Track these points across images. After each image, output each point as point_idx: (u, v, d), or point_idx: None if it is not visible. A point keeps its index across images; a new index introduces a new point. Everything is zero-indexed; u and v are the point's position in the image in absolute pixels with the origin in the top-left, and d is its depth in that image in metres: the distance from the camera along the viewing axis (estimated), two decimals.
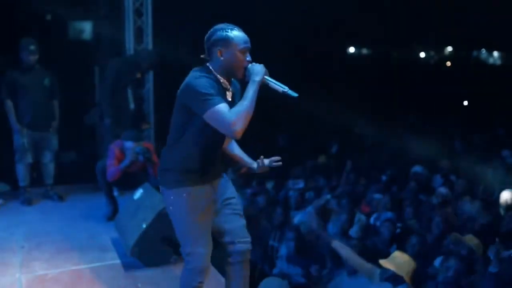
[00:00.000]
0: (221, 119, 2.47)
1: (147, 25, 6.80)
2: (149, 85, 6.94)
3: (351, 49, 25.73)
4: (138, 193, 4.54)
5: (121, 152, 5.09)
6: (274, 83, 2.64)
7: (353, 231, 5.27)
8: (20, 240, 4.69)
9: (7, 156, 5.86)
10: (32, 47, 5.48)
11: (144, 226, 4.07)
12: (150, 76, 6.88)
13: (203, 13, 8.61)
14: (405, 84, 16.86)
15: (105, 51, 6.95)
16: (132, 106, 6.30)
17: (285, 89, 2.61)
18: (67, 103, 6.12)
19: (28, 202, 5.76)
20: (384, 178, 7.33)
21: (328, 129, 10.42)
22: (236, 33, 2.66)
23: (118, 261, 4.27)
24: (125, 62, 6.28)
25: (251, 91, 2.56)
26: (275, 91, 2.64)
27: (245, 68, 2.66)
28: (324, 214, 5.65)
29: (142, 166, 5.12)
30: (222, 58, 2.66)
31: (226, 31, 2.66)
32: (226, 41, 2.65)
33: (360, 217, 5.44)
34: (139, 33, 6.77)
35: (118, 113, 6.02)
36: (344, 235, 5.15)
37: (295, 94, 2.59)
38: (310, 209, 5.72)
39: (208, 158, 2.78)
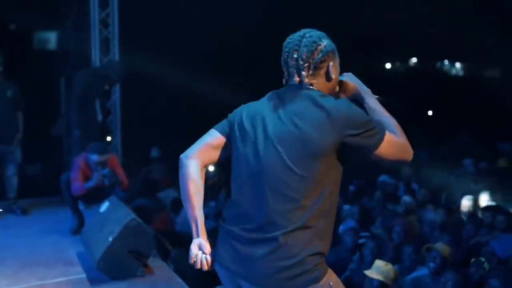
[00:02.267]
0: (399, 144, 1.94)
1: (114, 36, 6.76)
2: (116, 96, 6.89)
3: None
4: (104, 206, 4.50)
5: (86, 165, 5.02)
6: None
7: None
8: None
9: None
10: None
11: (110, 239, 4.02)
12: (117, 87, 6.83)
13: (171, 25, 8.60)
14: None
15: (71, 62, 6.88)
16: (100, 117, 6.25)
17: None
18: (32, 115, 6.02)
19: None
20: (352, 188, 7.42)
21: None
22: None
23: (83, 276, 4.19)
24: (94, 73, 6.23)
25: (375, 102, 2.06)
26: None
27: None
28: None
29: None
30: (333, 77, 1.99)
31: (329, 39, 1.98)
32: (335, 53, 1.99)
33: None
34: (105, 44, 6.72)
35: (87, 125, 5.96)
36: None
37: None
38: None
39: None
